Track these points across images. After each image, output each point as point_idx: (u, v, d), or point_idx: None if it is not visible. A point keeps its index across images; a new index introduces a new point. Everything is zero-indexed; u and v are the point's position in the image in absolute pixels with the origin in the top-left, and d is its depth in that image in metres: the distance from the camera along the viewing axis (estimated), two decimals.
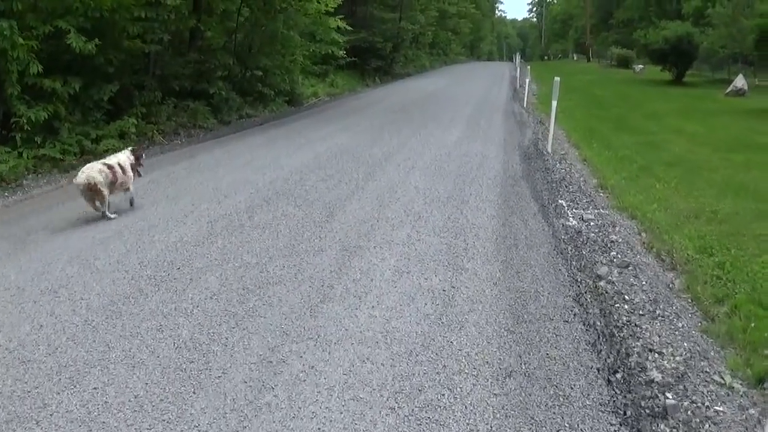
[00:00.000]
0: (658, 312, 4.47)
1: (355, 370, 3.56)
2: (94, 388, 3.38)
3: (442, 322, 4.17)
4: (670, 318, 4.38)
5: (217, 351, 3.76)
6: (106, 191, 6.54)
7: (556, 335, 4.06)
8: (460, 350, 3.81)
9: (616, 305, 4.58)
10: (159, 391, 3.36)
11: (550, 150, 11.13)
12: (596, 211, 7.21)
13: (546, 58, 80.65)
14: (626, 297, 4.72)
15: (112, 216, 6.73)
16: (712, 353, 3.90)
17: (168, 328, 4.09)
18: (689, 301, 4.76)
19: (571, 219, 6.84)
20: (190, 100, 14.86)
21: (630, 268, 5.38)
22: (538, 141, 12.45)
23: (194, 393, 3.34)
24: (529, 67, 22.87)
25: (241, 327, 4.09)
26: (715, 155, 10.94)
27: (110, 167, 6.63)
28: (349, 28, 22.01)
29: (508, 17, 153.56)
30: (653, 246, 6.02)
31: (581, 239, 6.13)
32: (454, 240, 5.89)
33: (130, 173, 7.00)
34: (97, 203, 6.60)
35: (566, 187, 8.38)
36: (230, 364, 3.61)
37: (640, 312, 4.47)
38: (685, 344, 3.98)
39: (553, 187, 8.33)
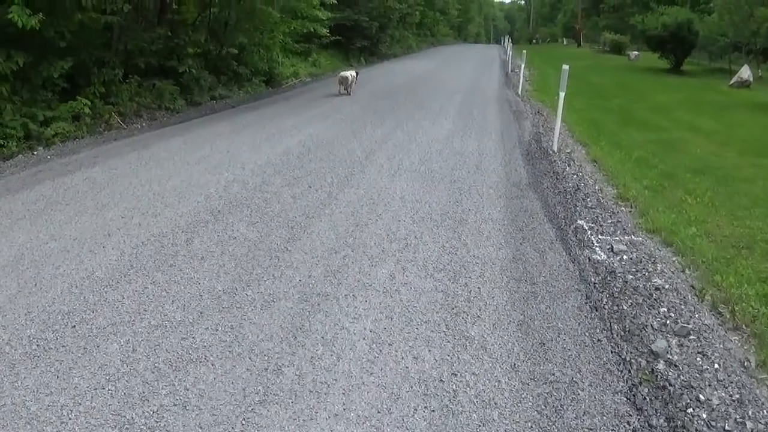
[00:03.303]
0: (750, 426, 3.03)
1: None
2: None
3: None
4: None
5: None
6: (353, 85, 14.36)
7: None
8: None
9: (689, 410, 3.14)
10: None
11: (555, 149, 9.66)
12: (627, 237, 5.77)
13: (534, 41, 78.98)
14: (699, 395, 3.28)
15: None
16: None
17: None
18: None
19: (598, 250, 5.39)
20: (157, 79, 13.24)
21: (691, 336, 3.94)
22: (540, 136, 10.99)
23: None
24: (525, 51, 21.22)
25: None
26: (743, 160, 9.57)
27: (357, 73, 15.59)
28: (334, 1, 20.31)
29: None
30: (707, 294, 4.59)
31: (617, 284, 4.68)
32: (452, 284, 4.42)
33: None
34: (347, 90, 14.38)
35: (583, 200, 6.94)
36: None
37: (725, 427, 3.03)
38: None
39: (567, 200, 6.89)
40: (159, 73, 13.63)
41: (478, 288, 4.36)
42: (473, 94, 17.57)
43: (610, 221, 6.27)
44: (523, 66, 19.58)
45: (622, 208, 6.98)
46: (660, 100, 18.13)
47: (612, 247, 5.48)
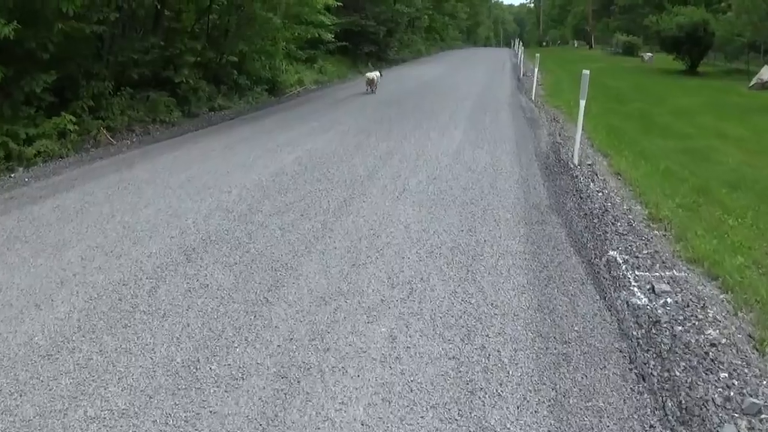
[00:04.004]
0: None
1: None
2: None
3: None
4: None
5: None
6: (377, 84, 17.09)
7: None
8: None
9: None
10: None
11: (576, 162, 8.82)
12: (667, 273, 4.94)
13: (544, 44, 78.01)
14: None
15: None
16: None
17: None
18: None
19: (637, 292, 4.56)
20: (152, 91, 12.55)
21: (763, 416, 3.11)
22: (558, 146, 10.15)
23: None
24: (538, 55, 20.37)
25: None
26: None
27: (380, 75, 18.23)
28: (339, 2, 19.50)
29: (504, 2, 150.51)
30: None
31: (665, 339, 3.85)
32: (465, 346, 3.60)
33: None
34: (372, 89, 17.21)
35: (612, 224, 6.10)
36: None
37: None
38: None
39: (595, 225, 6.05)
40: (154, 84, 13.00)
41: (498, 351, 3.54)
42: (484, 100, 16.74)
43: (645, 251, 5.44)
44: (536, 70, 18.69)
45: (656, 232, 6.16)
46: (680, 103, 17.24)
47: (653, 287, 4.64)
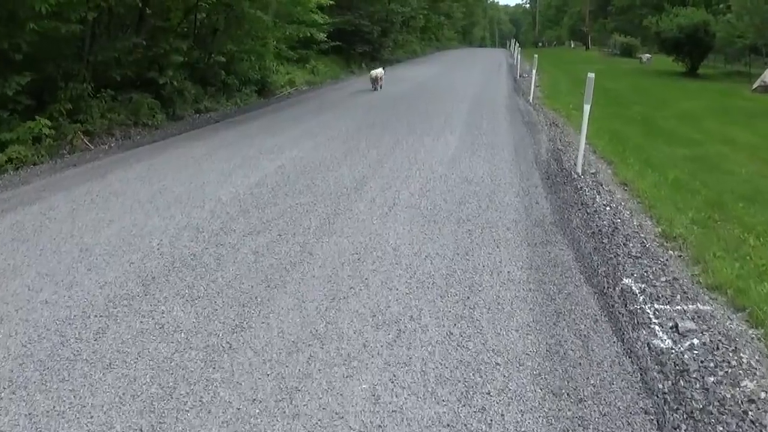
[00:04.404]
0: None
1: None
2: None
3: None
4: None
5: None
6: (381, 81, 17.75)
7: None
8: None
9: None
10: None
11: (580, 171, 8.25)
12: (691, 306, 4.37)
13: (540, 45, 77.44)
14: None
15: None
16: None
17: None
18: None
19: (659, 331, 3.99)
20: (135, 92, 11.99)
21: None
22: (559, 153, 9.58)
23: None
24: (536, 56, 19.71)
25: None
26: None
27: (384, 72, 18.58)
28: (332, 1, 18.88)
29: (500, 2, 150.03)
30: None
31: (696, 395, 3.28)
32: (462, 409, 3.01)
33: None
34: (376, 86, 17.67)
35: (623, 244, 5.54)
36: None
37: None
38: None
39: (604, 245, 5.48)
40: (138, 86, 12.39)
41: (501, 416, 2.95)
42: (481, 102, 16.16)
43: (663, 278, 4.87)
44: (534, 72, 18.09)
45: (670, 252, 5.62)
46: (683, 107, 16.70)
47: (676, 324, 4.06)
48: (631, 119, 14.24)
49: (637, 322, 4.08)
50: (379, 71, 18.73)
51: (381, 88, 18.27)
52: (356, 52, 27.97)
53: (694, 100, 18.40)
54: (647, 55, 35.16)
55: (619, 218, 6.42)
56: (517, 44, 40.94)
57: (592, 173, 8.51)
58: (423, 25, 46.20)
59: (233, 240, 5.22)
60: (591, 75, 8.23)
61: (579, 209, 6.65)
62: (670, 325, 4.09)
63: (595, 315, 4.12)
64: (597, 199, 7.07)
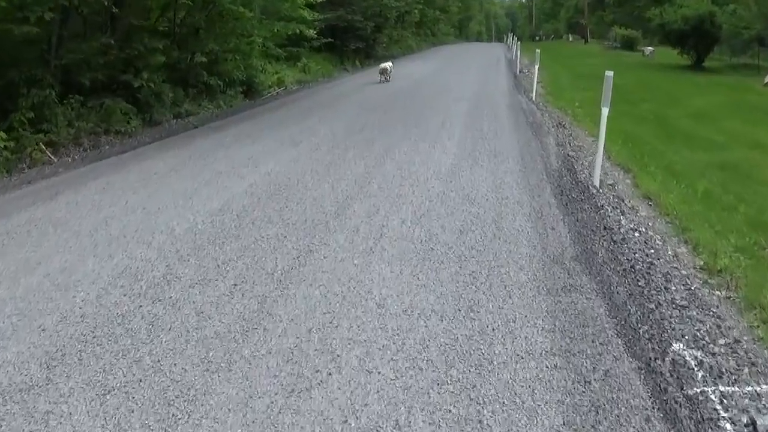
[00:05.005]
0: None
1: None
2: None
3: None
4: None
5: None
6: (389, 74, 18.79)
7: None
8: None
9: None
10: None
11: (597, 183, 7.17)
12: (764, 386, 3.25)
13: (538, 38, 76.22)
14: None
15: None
16: None
17: None
18: None
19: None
20: (108, 97, 10.93)
21: None
22: (571, 160, 8.50)
23: None
24: (538, 51, 18.51)
25: None
26: None
27: (392, 65, 19.58)
28: None
29: None
30: None
31: None
32: None
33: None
34: (385, 77, 18.66)
35: (664, 288, 4.45)
36: None
37: None
38: None
39: (641, 291, 4.40)
40: (112, 90, 11.33)
41: None
42: (480, 102, 15.04)
43: (722, 340, 3.79)
44: (536, 69, 16.94)
45: (718, 293, 4.55)
46: (696, 104, 15.63)
47: (753, 421, 2.96)
48: (643, 118, 13.17)
49: (701, 418, 2.98)
50: (388, 64, 19.71)
51: (389, 80, 19.01)
52: (350, 48, 26.86)
53: (706, 95, 17.33)
54: (650, 48, 34.05)
55: (652, 248, 5.34)
56: (516, 39, 39.78)
57: (610, 185, 7.46)
58: (418, 20, 44.99)
59: (175, 294, 4.11)
60: (609, 73, 7.20)
61: (603, 236, 5.57)
62: (744, 421, 2.99)
63: (645, 407, 3.03)
64: (622, 221, 6.00)
